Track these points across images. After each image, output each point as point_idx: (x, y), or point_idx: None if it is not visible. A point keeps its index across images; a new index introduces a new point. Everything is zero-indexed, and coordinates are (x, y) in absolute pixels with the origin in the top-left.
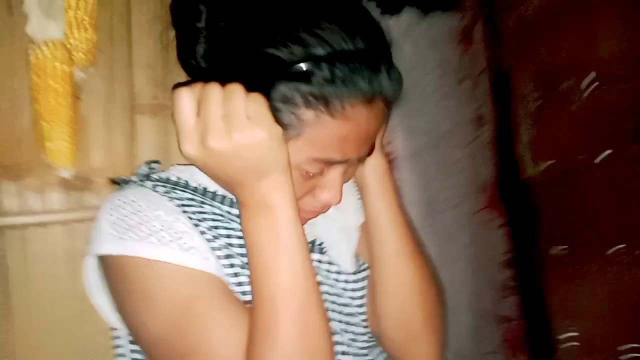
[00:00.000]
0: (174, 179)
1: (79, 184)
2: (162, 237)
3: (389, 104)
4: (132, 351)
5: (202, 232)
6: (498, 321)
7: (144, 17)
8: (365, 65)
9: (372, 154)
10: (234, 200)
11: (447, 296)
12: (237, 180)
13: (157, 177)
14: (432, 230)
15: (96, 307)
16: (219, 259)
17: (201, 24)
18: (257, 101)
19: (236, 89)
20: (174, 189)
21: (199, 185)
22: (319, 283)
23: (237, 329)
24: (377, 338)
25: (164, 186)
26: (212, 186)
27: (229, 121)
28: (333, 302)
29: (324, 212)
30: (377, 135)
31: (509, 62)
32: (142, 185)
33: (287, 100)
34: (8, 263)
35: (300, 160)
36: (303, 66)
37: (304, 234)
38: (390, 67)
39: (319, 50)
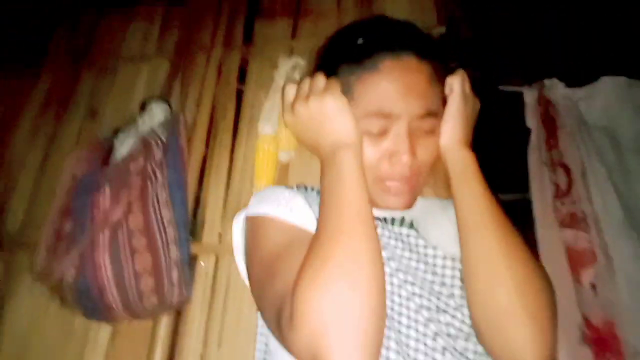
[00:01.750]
0: (306, 187)
1: None
2: (280, 203)
3: (428, 62)
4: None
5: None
6: None
7: None
8: (385, 35)
9: (451, 141)
10: None
11: None
12: (318, 142)
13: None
14: None
15: (238, 264)
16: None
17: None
18: (330, 81)
19: (318, 75)
20: (305, 190)
21: (318, 190)
22: (396, 250)
23: None
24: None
25: (298, 188)
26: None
27: (310, 93)
28: (417, 269)
29: (405, 178)
30: (429, 97)
31: None
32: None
33: (343, 75)
34: None
35: (359, 118)
36: (347, 50)
37: (364, 186)
38: (415, 36)
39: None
